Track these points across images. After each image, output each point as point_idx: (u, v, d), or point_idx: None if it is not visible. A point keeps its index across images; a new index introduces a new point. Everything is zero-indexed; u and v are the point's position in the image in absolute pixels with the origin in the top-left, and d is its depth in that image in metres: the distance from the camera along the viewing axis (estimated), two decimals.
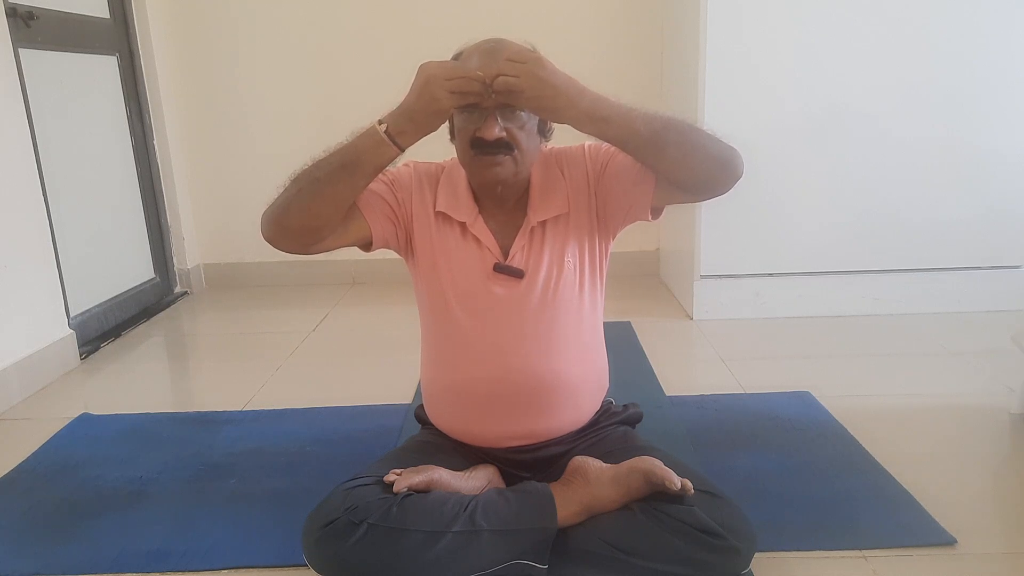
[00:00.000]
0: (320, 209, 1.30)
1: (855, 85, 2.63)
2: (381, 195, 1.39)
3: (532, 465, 1.43)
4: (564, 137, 1.42)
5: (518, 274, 1.37)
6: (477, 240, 1.39)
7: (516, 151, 1.30)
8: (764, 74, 2.63)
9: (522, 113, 1.28)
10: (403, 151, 1.27)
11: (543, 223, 1.39)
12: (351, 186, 1.29)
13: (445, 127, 1.34)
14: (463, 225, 1.39)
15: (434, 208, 1.41)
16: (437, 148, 1.41)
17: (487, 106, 1.25)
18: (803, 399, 2.05)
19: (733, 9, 2.58)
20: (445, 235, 1.40)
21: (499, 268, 1.37)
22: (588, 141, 1.41)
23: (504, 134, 1.27)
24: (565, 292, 1.39)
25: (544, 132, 1.37)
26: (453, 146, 1.38)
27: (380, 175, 1.35)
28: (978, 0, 2.56)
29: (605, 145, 1.37)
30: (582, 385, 1.43)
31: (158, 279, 3.27)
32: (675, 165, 1.27)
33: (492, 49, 1.27)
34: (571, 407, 1.42)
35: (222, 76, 3.31)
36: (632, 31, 3.24)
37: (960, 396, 2.08)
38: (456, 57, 1.32)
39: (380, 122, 1.25)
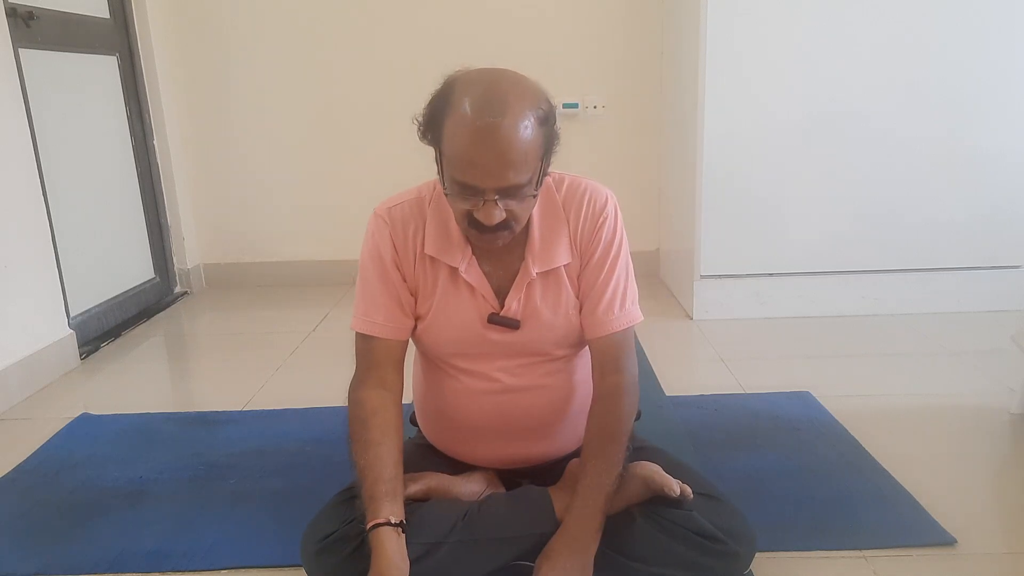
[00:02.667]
0: None
1: (855, 85, 2.62)
2: (399, 297, 1.31)
3: (530, 472, 1.42)
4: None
5: (513, 326, 1.30)
6: (470, 287, 1.29)
7: (514, 224, 1.19)
8: (764, 74, 2.63)
9: (525, 189, 1.15)
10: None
11: (542, 274, 1.30)
12: None
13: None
14: (454, 269, 1.29)
15: (422, 249, 1.30)
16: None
17: (485, 188, 1.12)
18: (803, 399, 2.05)
19: (733, 9, 2.58)
20: (436, 277, 1.30)
21: (493, 320, 1.29)
22: (606, 212, 1.31)
23: (504, 216, 1.15)
24: (563, 337, 1.34)
25: (545, 175, 1.23)
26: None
27: (381, 269, 1.30)
28: (977, 1, 2.57)
29: (602, 244, 1.31)
30: (578, 415, 1.38)
31: (158, 279, 3.27)
32: None
33: (492, 125, 1.09)
34: (567, 434, 1.40)
35: (222, 76, 3.31)
36: (632, 31, 3.24)
37: (960, 396, 2.08)
38: (447, 97, 1.14)
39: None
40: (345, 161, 3.37)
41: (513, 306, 1.30)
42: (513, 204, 1.16)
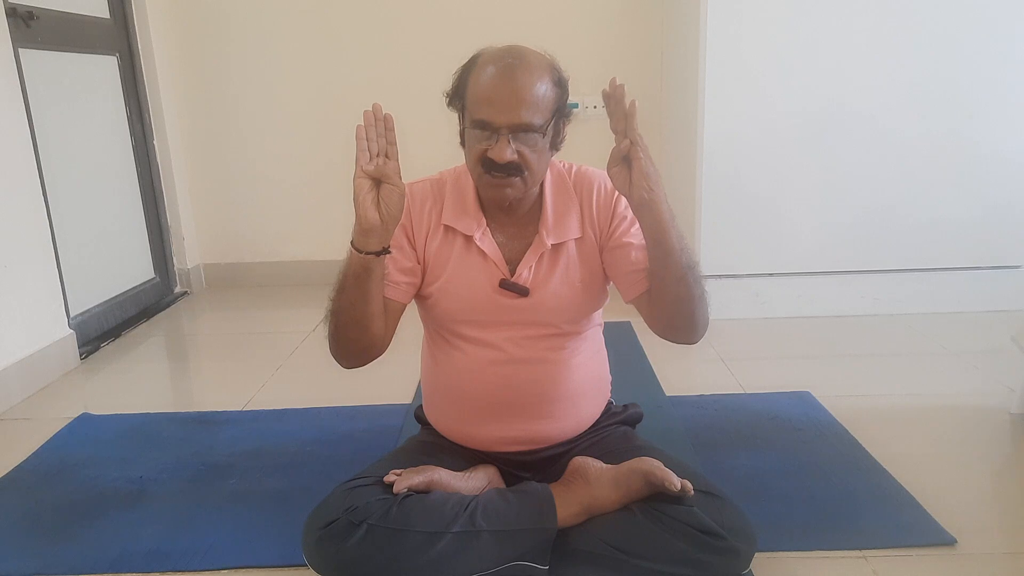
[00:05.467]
0: (360, 334, 1.32)
1: (855, 85, 2.63)
2: (402, 263, 1.36)
3: (532, 466, 1.43)
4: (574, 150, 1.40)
5: (523, 292, 1.35)
6: (483, 253, 1.36)
7: (526, 172, 1.27)
8: (764, 74, 2.63)
9: (536, 134, 1.24)
10: (378, 254, 1.24)
11: (555, 246, 1.37)
12: (365, 299, 1.28)
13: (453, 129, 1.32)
14: (469, 238, 1.37)
15: (439, 219, 1.38)
16: (446, 151, 1.38)
17: (500, 125, 1.22)
18: (803, 399, 2.05)
19: (733, 9, 2.58)
20: (451, 247, 1.38)
21: (504, 285, 1.36)
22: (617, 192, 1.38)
23: (516, 157, 1.24)
24: (570, 310, 1.39)
25: (556, 145, 1.33)
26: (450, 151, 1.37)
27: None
28: (977, 2, 2.56)
29: (627, 216, 1.36)
30: (584, 394, 1.43)
31: (158, 279, 3.27)
32: (671, 296, 1.30)
33: (511, 66, 1.23)
34: (572, 415, 1.42)
35: (222, 76, 3.31)
36: (632, 31, 3.24)
37: (960, 396, 2.08)
38: (474, 60, 1.29)
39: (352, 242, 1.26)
40: (345, 161, 3.33)
41: (524, 274, 1.36)
42: (525, 149, 1.24)
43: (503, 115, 1.22)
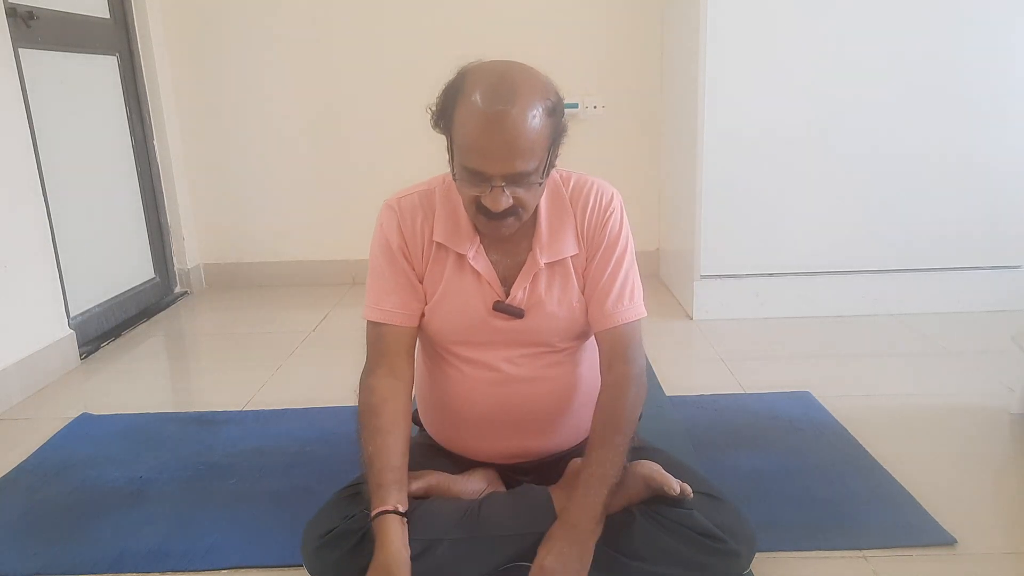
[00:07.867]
0: None
1: (855, 85, 2.62)
2: (411, 288, 1.33)
3: (531, 469, 1.42)
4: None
5: (518, 314, 1.31)
6: (476, 273, 1.31)
7: (522, 211, 1.22)
8: (764, 74, 2.63)
9: (532, 177, 1.18)
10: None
11: (549, 264, 1.32)
12: None
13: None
14: (461, 255, 1.32)
15: (431, 235, 1.32)
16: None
17: (493, 175, 1.15)
18: (803, 399, 2.05)
19: (733, 9, 2.58)
20: (443, 264, 1.33)
21: (499, 307, 1.31)
22: (613, 207, 1.34)
23: (511, 203, 1.18)
24: (566, 329, 1.35)
25: (552, 166, 1.25)
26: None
27: (389, 256, 1.32)
28: (978, 2, 2.57)
29: (603, 246, 1.33)
30: (584, 405, 1.39)
31: (158, 279, 3.27)
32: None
33: (501, 113, 1.12)
34: (572, 427, 1.40)
35: (222, 76, 3.31)
36: (632, 31, 3.24)
37: (960, 396, 2.08)
38: (460, 86, 1.17)
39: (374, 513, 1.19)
40: (345, 161, 3.37)
41: (519, 295, 1.32)
42: (520, 192, 1.19)
43: (496, 166, 1.14)
